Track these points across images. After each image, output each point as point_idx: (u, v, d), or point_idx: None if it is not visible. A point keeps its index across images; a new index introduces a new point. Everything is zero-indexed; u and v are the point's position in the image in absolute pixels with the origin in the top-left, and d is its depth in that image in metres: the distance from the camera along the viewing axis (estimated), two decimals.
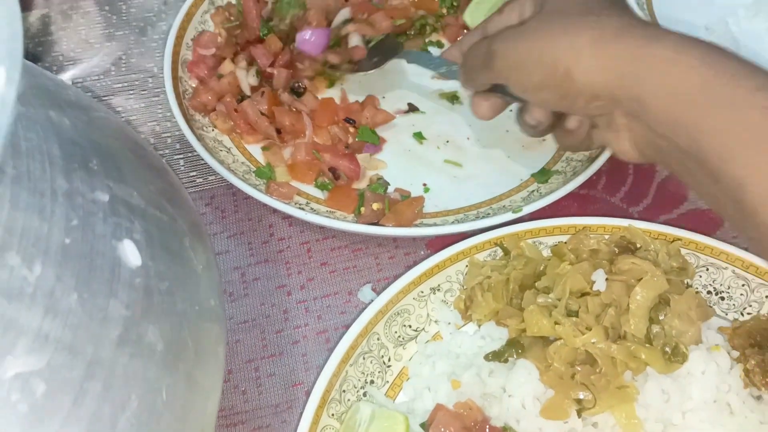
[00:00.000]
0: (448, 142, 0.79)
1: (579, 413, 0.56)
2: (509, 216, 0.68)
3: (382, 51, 0.81)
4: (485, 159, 0.78)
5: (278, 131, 0.76)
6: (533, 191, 0.74)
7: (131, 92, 0.84)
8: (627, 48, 0.51)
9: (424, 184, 0.76)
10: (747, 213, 0.47)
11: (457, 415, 0.54)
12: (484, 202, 0.74)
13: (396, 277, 0.63)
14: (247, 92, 0.78)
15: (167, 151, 0.79)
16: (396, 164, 0.77)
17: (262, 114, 0.76)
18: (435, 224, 0.70)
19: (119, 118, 0.76)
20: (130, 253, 0.41)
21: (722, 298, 0.65)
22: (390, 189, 0.75)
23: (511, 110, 0.82)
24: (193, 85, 0.79)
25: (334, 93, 0.82)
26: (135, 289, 0.40)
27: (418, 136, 0.79)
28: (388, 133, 0.80)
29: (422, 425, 0.56)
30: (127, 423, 0.37)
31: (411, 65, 0.81)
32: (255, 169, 0.75)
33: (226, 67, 0.78)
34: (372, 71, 0.80)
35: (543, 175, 0.75)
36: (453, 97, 0.83)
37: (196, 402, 0.42)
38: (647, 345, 0.58)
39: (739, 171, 0.47)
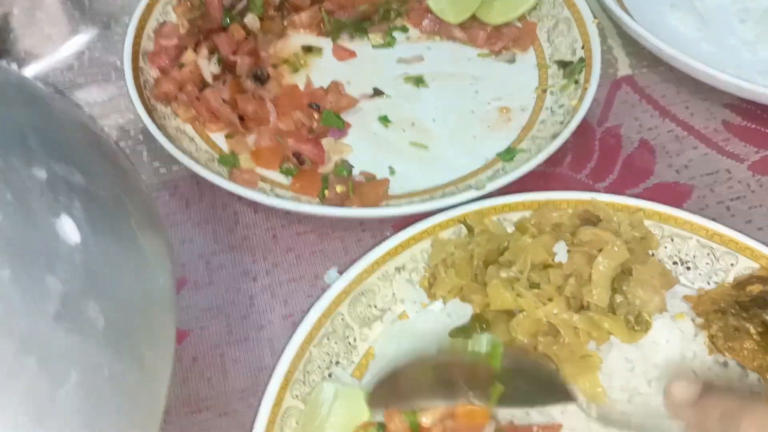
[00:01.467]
0: (413, 124, 0.79)
1: None
2: (473, 194, 0.68)
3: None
4: (451, 140, 0.78)
5: (241, 119, 0.75)
6: (498, 170, 0.74)
7: (94, 86, 0.83)
8: None
9: (390, 167, 0.75)
10: None
11: None
12: (450, 182, 0.74)
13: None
14: (209, 81, 0.77)
15: (130, 143, 0.78)
16: (362, 148, 0.77)
17: (225, 102, 0.75)
18: (400, 205, 0.70)
19: (68, 101, 0.75)
20: (69, 230, 0.40)
21: (688, 268, 0.65)
22: (355, 172, 0.74)
23: (476, 92, 0.82)
24: (155, 76, 0.78)
25: (298, 80, 0.81)
26: (74, 265, 0.39)
27: (384, 120, 0.79)
28: (354, 117, 0.79)
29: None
30: (66, 398, 0.37)
31: (378, 50, 0.81)
32: (218, 157, 0.74)
33: (188, 56, 0.78)
34: None
35: (508, 154, 0.75)
36: (418, 81, 0.83)
37: (144, 381, 0.41)
38: (610, 314, 0.57)
39: None
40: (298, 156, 0.73)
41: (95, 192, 0.45)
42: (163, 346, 0.44)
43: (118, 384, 0.40)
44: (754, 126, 0.80)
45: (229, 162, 0.73)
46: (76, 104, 0.76)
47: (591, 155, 0.78)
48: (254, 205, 0.73)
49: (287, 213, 0.72)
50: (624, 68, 0.86)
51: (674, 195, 0.74)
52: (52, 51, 0.87)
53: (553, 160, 0.76)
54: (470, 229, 0.66)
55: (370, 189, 0.71)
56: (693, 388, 0.49)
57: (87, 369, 0.38)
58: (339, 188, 0.70)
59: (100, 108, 0.81)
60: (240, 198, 0.73)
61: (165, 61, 0.78)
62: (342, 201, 0.70)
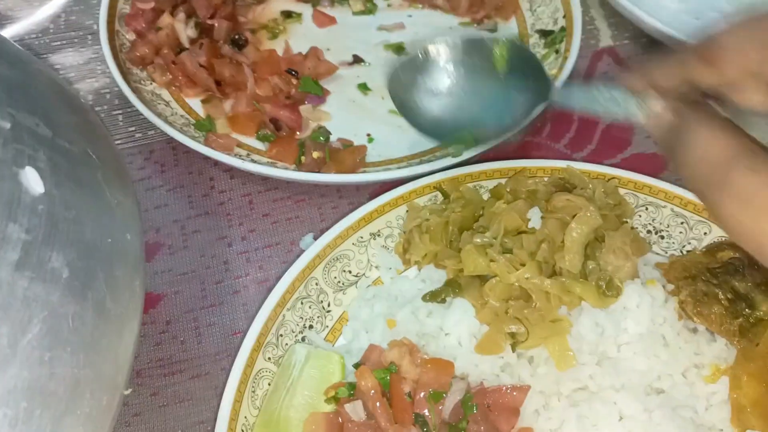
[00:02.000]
0: None
1: (513, 347, 0.56)
2: (450, 161, 0.68)
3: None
4: None
5: (218, 83, 0.75)
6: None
7: (70, 49, 0.82)
8: None
9: (368, 135, 0.75)
10: None
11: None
12: (428, 150, 0.73)
13: None
14: (186, 44, 0.77)
15: (105, 107, 0.77)
16: (340, 115, 0.76)
17: (201, 66, 0.74)
18: (377, 171, 0.70)
19: (42, 62, 0.74)
20: (33, 180, 0.40)
21: (662, 237, 0.66)
22: (333, 139, 0.74)
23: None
24: (131, 39, 0.77)
25: (277, 45, 0.81)
26: (37, 215, 0.39)
27: (363, 88, 0.79)
28: (333, 84, 0.79)
29: (355, 365, 0.56)
30: (28, 346, 0.36)
31: (359, 16, 0.80)
32: (195, 122, 0.73)
33: (165, 20, 0.77)
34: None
35: None
36: (398, 48, 0.82)
37: (108, 332, 0.41)
38: (582, 280, 0.58)
39: None
40: (275, 122, 0.73)
41: (61, 145, 0.44)
42: (130, 300, 0.44)
43: (83, 335, 0.39)
44: None
45: (205, 127, 0.72)
46: (54, 70, 0.75)
47: (570, 125, 0.78)
48: (230, 171, 0.73)
49: (264, 179, 0.72)
50: (606, 39, 0.86)
51: (651, 165, 0.74)
52: (28, 14, 0.85)
53: (532, 129, 0.76)
54: (446, 196, 0.66)
55: (347, 155, 0.70)
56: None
57: (50, 318, 0.38)
58: (316, 154, 0.70)
59: (75, 71, 0.80)
60: (216, 163, 0.73)
61: (141, 24, 0.77)
62: (319, 167, 0.70)
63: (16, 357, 0.36)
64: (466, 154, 0.68)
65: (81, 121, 0.49)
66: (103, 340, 0.41)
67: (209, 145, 0.69)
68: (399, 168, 0.70)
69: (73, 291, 0.39)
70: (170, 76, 0.75)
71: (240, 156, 0.70)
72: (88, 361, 0.39)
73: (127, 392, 0.44)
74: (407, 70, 0.62)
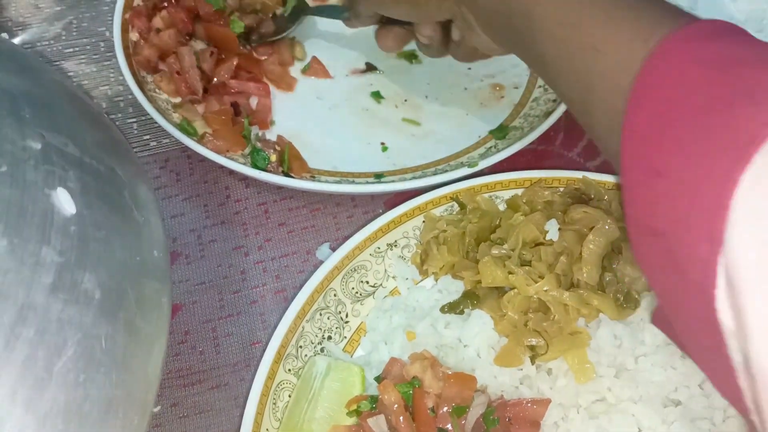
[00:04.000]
0: (406, 100, 0.79)
1: (532, 360, 0.56)
2: (465, 171, 0.68)
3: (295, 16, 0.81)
4: (443, 117, 0.78)
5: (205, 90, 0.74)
6: (491, 147, 0.74)
7: (82, 56, 0.82)
8: None
9: (383, 143, 0.75)
10: (535, 30, 0.49)
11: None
12: (442, 159, 0.74)
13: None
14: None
15: (120, 115, 0.77)
16: (353, 124, 0.77)
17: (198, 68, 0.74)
18: (392, 181, 0.70)
19: (58, 72, 0.74)
20: (64, 201, 0.40)
21: None
22: (344, 148, 0.74)
23: (470, 68, 0.82)
24: (135, 40, 0.76)
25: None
26: (69, 236, 0.39)
27: (376, 96, 0.79)
28: (346, 93, 0.79)
29: (377, 378, 0.56)
30: (63, 368, 0.37)
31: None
32: (178, 124, 0.71)
33: (158, 21, 0.76)
34: (284, 35, 0.80)
35: (501, 131, 0.75)
36: (411, 56, 0.82)
37: (139, 351, 0.42)
38: (600, 292, 0.58)
39: None
40: (236, 106, 0.73)
41: (89, 163, 0.44)
42: (159, 318, 0.44)
43: (115, 356, 0.40)
44: None
45: (191, 132, 0.71)
46: (67, 77, 0.75)
47: (583, 134, 0.78)
48: (246, 180, 0.73)
49: (279, 188, 0.72)
50: None
51: None
52: (40, 21, 0.85)
53: (546, 138, 0.76)
54: (462, 206, 0.66)
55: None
56: None
57: (84, 340, 0.38)
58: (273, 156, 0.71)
59: (89, 79, 0.80)
60: (231, 172, 0.73)
61: (144, 23, 0.76)
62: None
63: (52, 380, 0.36)
64: (482, 164, 0.69)
65: (106, 138, 0.49)
66: (134, 359, 0.41)
67: (205, 145, 0.69)
68: (414, 178, 0.70)
69: (105, 312, 0.40)
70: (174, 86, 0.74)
71: (233, 158, 0.70)
72: (120, 381, 0.40)
73: (156, 410, 0.44)
74: None
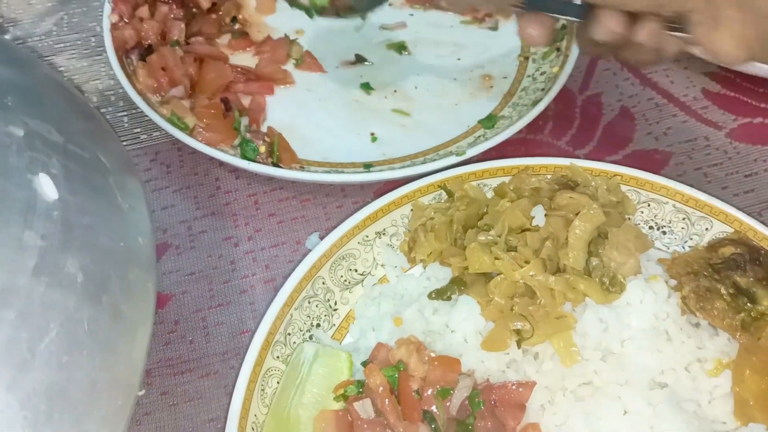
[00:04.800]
0: (395, 91, 0.79)
1: (518, 344, 0.56)
2: (453, 159, 0.69)
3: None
4: (433, 107, 0.78)
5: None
6: (480, 136, 0.74)
7: (74, 52, 0.83)
8: None
9: (372, 134, 0.76)
10: None
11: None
12: (432, 148, 0.74)
13: None
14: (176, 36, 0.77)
15: (111, 109, 0.78)
16: (343, 115, 0.77)
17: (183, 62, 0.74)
18: (381, 170, 0.70)
19: (47, 66, 0.74)
20: (47, 186, 0.41)
21: (664, 233, 0.66)
22: (335, 138, 0.75)
23: (459, 59, 0.82)
24: (113, 22, 0.76)
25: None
26: (52, 221, 0.40)
27: (366, 87, 0.79)
28: (336, 83, 0.79)
29: (363, 363, 0.56)
30: (46, 350, 0.37)
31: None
32: (167, 119, 0.71)
33: (144, 11, 0.77)
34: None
35: (490, 120, 0.76)
36: (400, 47, 0.83)
37: (123, 335, 0.42)
38: (585, 276, 0.58)
39: None
40: (226, 101, 0.73)
41: (73, 151, 0.45)
42: (143, 303, 0.45)
43: (99, 339, 0.40)
44: (733, 94, 0.81)
45: (182, 126, 0.71)
46: (58, 72, 0.76)
47: (572, 122, 0.79)
48: (236, 172, 0.74)
49: (269, 179, 0.73)
50: None
51: (653, 162, 0.75)
52: (31, 16, 0.86)
53: (534, 127, 0.77)
54: (450, 194, 0.66)
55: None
56: None
57: (67, 322, 0.39)
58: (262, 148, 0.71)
59: (80, 74, 0.81)
60: (221, 164, 0.74)
61: (128, 9, 0.76)
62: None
63: (35, 361, 0.37)
64: (469, 153, 0.69)
65: (92, 127, 0.49)
66: (118, 342, 0.42)
67: (195, 138, 0.69)
68: (403, 167, 0.70)
69: (88, 295, 0.40)
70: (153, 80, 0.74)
71: (223, 149, 0.70)
72: (104, 364, 0.40)
73: (140, 393, 0.44)
74: None
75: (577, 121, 0.79)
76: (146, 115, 0.70)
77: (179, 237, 0.69)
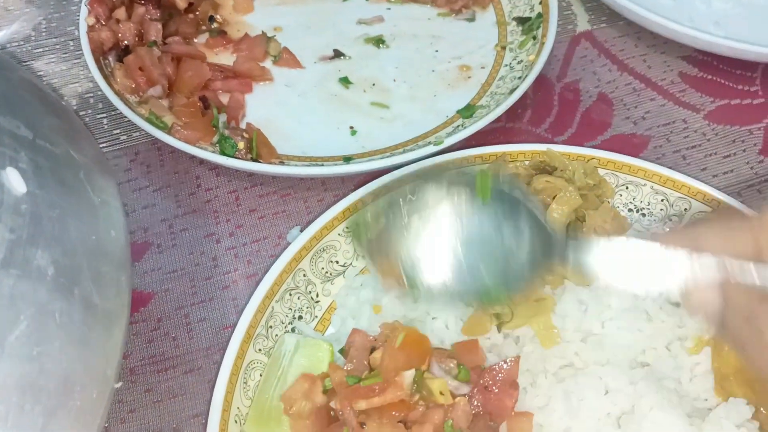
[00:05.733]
0: (374, 85, 0.80)
1: (499, 328, 0.57)
2: (432, 149, 0.69)
3: None
4: (412, 99, 0.78)
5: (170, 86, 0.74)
6: (458, 126, 0.74)
7: (52, 56, 0.83)
8: None
9: (351, 127, 0.76)
10: None
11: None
12: (411, 140, 0.74)
13: None
14: (153, 36, 0.76)
15: (90, 111, 0.78)
16: (322, 109, 0.77)
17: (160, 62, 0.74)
18: (360, 162, 0.71)
19: (14, 62, 0.74)
20: (15, 181, 0.41)
21: (643, 215, 0.67)
22: (313, 133, 0.75)
23: (437, 51, 0.83)
24: (91, 24, 0.76)
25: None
26: (21, 214, 0.40)
27: (344, 81, 0.79)
28: (314, 79, 0.80)
29: (341, 351, 0.56)
30: (17, 342, 0.37)
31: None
32: (146, 117, 0.70)
33: (120, 13, 0.77)
34: None
35: (468, 110, 0.76)
36: (378, 41, 0.83)
37: (97, 327, 0.42)
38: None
39: None
40: (204, 100, 0.73)
41: (42, 146, 0.45)
42: (117, 295, 0.45)
43: (71, 331, 0.40)
44: (710, 77, 0.82)
45: (161, 125, 0.71)
46: (37, 76, 0.76)
47: (550, 110, 0.79)
48: (216, 169, 0.74)
49: (249, 175, 0.73)
50: (583, 24, 0.87)
51: (631, 146, 0.76)
52: (9, 22, 0.86)
53: (513, 115, 0.77)
54: None
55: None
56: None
57: (38, 315, 0.39)
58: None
59: (59, 77, 0.81)
60: (202, 162, 0.74)
61: (105, 10, 0.76)
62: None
63: (5, 353, 0.37)
64: (447, 141, 0.69)
65: (62, 124, 0.49)
66: (92, 335, 0.42)
67: (174, 135, 0.69)
68: (382, 158, 0.70)
69: (59, 288, 0.40)
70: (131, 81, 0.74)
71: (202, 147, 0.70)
72: (77, 356, 0.40)
73: (117, 386, 0.44)
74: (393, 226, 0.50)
75: (555, 108, 0.79)
76: (125, 117, 0.70)
77: (160, 235, 0.69)
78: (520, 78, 0.76)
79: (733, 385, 0.53)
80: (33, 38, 0.85)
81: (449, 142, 0.69)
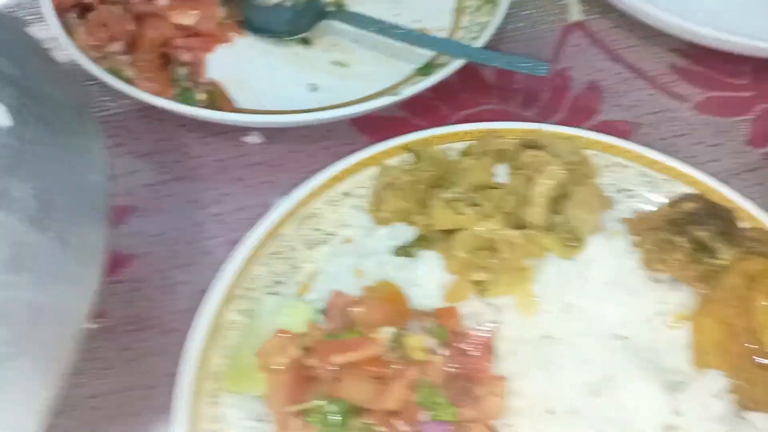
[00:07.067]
0: (335, 45, 0.81)
1: (480, 296, 0.56)
2: (390, 99, 0.71)
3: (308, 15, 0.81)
4: (372, 58, 0.79)
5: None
6: (417, 83, 0.74)
7: (41, 24, 0.82)
8: None
9: (312, 84, 0.77)
10: None
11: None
12: (371, 95, 0.74)
13: None
14: None
15: (81, 78, 0.77)
16: (282, 68, 0.78)
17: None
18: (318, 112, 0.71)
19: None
20: (1, 114, 0.41)
21: (629, 197, 0.67)
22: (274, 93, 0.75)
23: (398, 14, 0.82)
24: None
25: None
26: (3, 146, 0.40)
27: (305, 41, 0.81)
28: (275, 39, 0.80)
29: (322, 311, 0.56)
30: None
31: None
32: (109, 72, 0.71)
33: None
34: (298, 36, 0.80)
35: (427, 68, 0.77)
36: (338, 4, 0.84)
37: (71, 263, 0.42)
38: (547, 231, 0.58)
39: None
40: (165, 56, 0.74)
41: (29, 86, 0.45)
42: (94, 236, 0.44)
43: (45, 264, 0.40)
44: (700, 69, 0.82)
45: (125, 79, 0.71)
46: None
47: (540, 95, 0.79)
48: (203, 137, 0.74)
49: (237, 144, 0.73)
50: (576, 14, 0.87)
51: (619, 132, 0.75)
52: None
53: (503, 98, 0.78)
54: (417, 155, 0.66)
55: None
56: None
57: (13, 245, 0.38)
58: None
59: (52, 44, 0.80)
60: (189, 130, 0.73)
61: None
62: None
63: None
64: (405, 92, 0.71)
65: (48, 68, 0.49)
66: (66, 270, 0.41)
67: (138, 86, 0.69)
68: (340, 108, 0.71)
69: (34, 221, 0.40)
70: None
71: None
72: (50, 289, 0.40)
73: (93, 326, 0.44)
74: None
75: (545, 94, 0.80)
76: (107, 85, 0.69)
77: (145, 200, 0.69)
78: (474, 38, 0.77)
79: (712, 359, 0.53)
80: (26, 4, 0.84)
81: (407, 92, 0.71)
